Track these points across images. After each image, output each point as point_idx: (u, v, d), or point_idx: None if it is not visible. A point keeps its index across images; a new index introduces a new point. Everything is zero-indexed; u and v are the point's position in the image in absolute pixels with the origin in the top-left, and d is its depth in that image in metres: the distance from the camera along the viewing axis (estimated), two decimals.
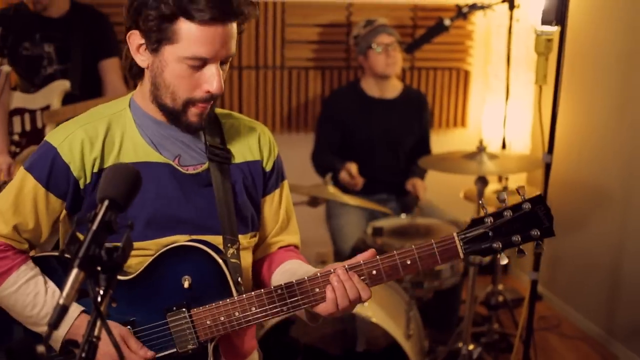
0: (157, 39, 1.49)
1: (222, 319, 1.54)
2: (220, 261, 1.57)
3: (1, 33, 3.10)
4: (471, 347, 3.08)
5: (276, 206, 1.77)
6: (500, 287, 3.55)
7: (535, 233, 1.41)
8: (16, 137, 3.26)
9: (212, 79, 1.51)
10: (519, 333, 2.77)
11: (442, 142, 4.17)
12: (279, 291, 1.52)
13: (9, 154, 3.16)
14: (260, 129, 1.76)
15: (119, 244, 1.04)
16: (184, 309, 1.55)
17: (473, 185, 2.99)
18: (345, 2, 4.00)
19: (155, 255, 1.57)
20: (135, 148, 1.59)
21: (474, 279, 2.99)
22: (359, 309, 2.68)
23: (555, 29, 2.47)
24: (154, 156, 1.60)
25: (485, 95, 4.26)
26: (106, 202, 1.05)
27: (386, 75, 3.55)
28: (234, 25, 1.52)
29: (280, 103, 4.08)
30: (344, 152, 3.61)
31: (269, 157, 1.74)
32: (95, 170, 1.57)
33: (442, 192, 4.05)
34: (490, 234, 1.43)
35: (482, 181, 2.83)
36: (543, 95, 2.65)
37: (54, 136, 1.59)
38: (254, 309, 1.53)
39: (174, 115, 1.57)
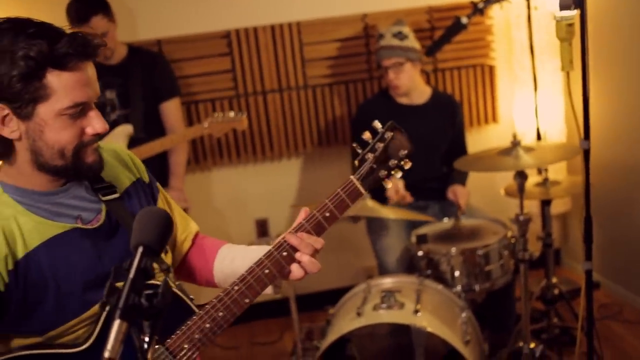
0: (27, 101, 1.39)
1: (197, 336, 1.53)
2: (174, 287, 1.57)
3: None
4: (532, 345, 3.00)
5: (165, 204, 1.78)
6: (554, 280, 3.47)
7: (403, 153, 1.64)
8: None
9: (94, 120, 1.47)
10: (579, 325, 2.69)
11: (475, 140, 4.12)
12: (236, 287, 1.54)
13: None
14: (118, 148, 1.74)
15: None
16: (158, 346, 1.52)
17: (512, 181, 2.93)
18: (360, 14, 3.98)
19: (104, 316, 1.51)
20: (37, 228, 1.48)
21: (526, 276, 2.92)
22: (413, 320, 2.64)
23: (574, 13, 2.41)
24: (58, 227, 1.50)
25: (513, 88, 4.19)
26: (140, 249, 1.04)
27: (395, 94, 3.55)
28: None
29: (308, 122, 4.06)
30: None
31: (139, 169, 1.73)
32: (10, 267, 1.44)
33: (481, 191, 4.00)
34: (374, 166, 1.61)
35: (521, 175, 2.77)
36: (572, 81, 2.59)
37: None
38: (221, 313, 1.54)
39: (70, 170, 1.49)
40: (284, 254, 1.57)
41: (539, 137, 3.73)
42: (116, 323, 0.96)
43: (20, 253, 1.46)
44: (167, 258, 1.71)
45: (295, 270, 1.58)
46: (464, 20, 3.41)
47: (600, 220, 2.76)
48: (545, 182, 3.27)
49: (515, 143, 2.84)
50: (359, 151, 1.65)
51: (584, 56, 2.45)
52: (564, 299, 3.54)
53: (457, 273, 3.07)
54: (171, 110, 3.47)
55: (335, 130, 4.10)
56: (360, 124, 3.66)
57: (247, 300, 1.55)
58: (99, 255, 1.54)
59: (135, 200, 1.67)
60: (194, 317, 1.54)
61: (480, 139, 4.21)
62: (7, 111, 1.41)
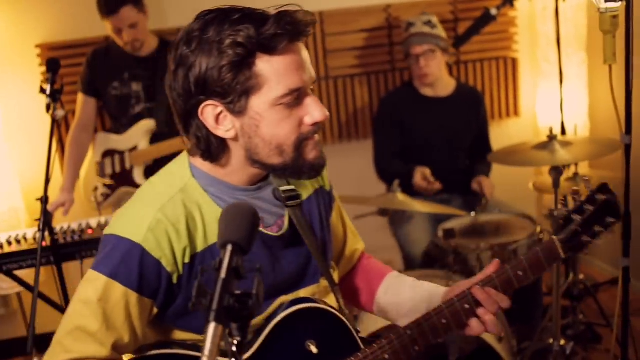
0: (240, 94, 1.28)
1: None
2: (338, 313, 1.46)
3: (87, 73, 3.15)
4: (562, 342, 2.96)
5: (339, 216, 1.67)
6: (581, 276, 3.43)
7: (611, 220, 1.50)
8: (108, 180, 3.28)
9: (313, 107, 1.34)
10: (615, 321, 2.66)
11: (496, 133, 4.07)
12: (409, 332, 1.43)
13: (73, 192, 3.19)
14: None
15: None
16: None
17: (542, 176, 2.89)
18: (383, 4, 3.93)
19: (270, 327, 1.41)
20: None
21: (558, 272, 2.88)
22: None
23: (619, 4, 2.37)
24: None
25: (536, 81, 4.14)
26: (229, 247, 0.98)
27: (422, 84, 3.48)
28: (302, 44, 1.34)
29: (330, 114, 4.00)
30: (402, 154, 3.54)
31: (323, 175, 1.59)
32: (187, 260, 1.35)
33: (504, 186, 3.96)
34: (579, 230, 1.49)
35: (557, 171, 2.72)
36: (613, 74, 2.54)
37: (129, 229, 1.34)
38: (387, 356, 1.43)
39: (291, 169, 1.37)
40: (466, 306, 1.45)
41: (563, 131, 3.69)
42: (211, 326, 0.91)
43: (200, 246, 1.37)
44: (334, 274, 1.61)
45: (475, 327, 1.46)
46: (494, 11, 3.35)
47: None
48: (575, 177, 3.23)
49: (552, 137, 2.79)
50: (561, 205, 1.55)
51: (628, 49, 2.41)
52: (591, 295, 3.50)
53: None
54: None
55: (357, 123, 4.06)
56: (383, 118, 3.61)
57: (416, 348, 1.45)
58: (273, 263, 1.44)
59: (315, 209, 1.55)
60: (359, 355, 1.44)
61: (502, 133, 4.17)
62: (220, 108, 1.31)
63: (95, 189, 3.34)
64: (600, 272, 4.21)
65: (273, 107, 1.30)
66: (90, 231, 2.79)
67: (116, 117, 3.34)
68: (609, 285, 3.99)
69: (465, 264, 3.07)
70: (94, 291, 1.32)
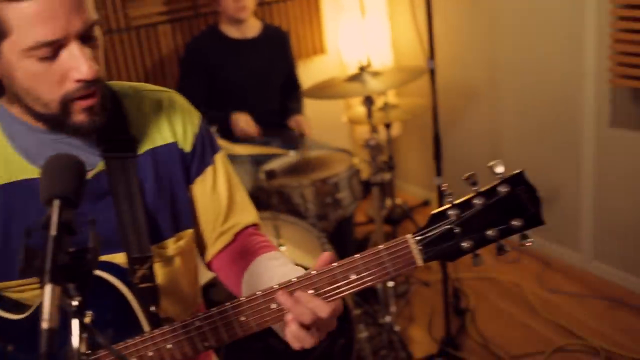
0: None
1: None
2: (124, 289, 1.26)
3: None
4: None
5: (211, 188, 1.43)
6: (398, 200, 3.60)
7: (518, 223, 1.08)
8: None
9: (76, 62, 1.14)
10: None
11: (304, 72, 4.11)
12: (198, 323, 1.18)
13: None
14: (168, 101, 1.40)
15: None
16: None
17: (353, 109, 2.97)
18: None
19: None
20: (7, 165, 1.26)
21: (378, 199, 3.00)
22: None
23: None
24: (29, 172, 1.25)
25: (338, 18, 4.22)
26: (57, 202, 0.90)
27: (238, 18, 3.42)
28: None
29: (135, 67, 3.84)
30: (214, 100, 3.47)
31: (184, 134, 1.38)
32: None
33: (320, 121, 4.03)
34: (456, 230, 1.09)
35: (369, 101, 2.80)
36: (415, 2, 2.64)
37: None
38: (169, 346, 1.20)
39: (56, 121, 1.21)
40: (273, 306, 1.16)
41: (369, 64, 3.80)
42: (47, 288, 0.83)
43: None
44: (179, 244, 1.40)
45: (289, 337, 1.16)
46: None
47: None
48: (385, 107, 3.35)
49: (363, 69, 2.86)
50: (447, 199, 1.10)
51: None
52: (409, 217, 3.70)
53: (310, 204, 3.08)
54: None
55: (164, 74, 3.92)
56: (190, 63, 3.51)
57: (206, 344, 1.20)
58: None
59: (150, 169, 1.34)
60: (137, 338, 1.21)
61: (309, 71, 4.21)
62: None
63: None
64: (413, 195, 4.45)
65: (25, 58, 1.13)
66: None
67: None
68: (422, 207, 4.23)
69: (290, 203, 3.11)
70: None
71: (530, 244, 1.09)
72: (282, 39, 3.64)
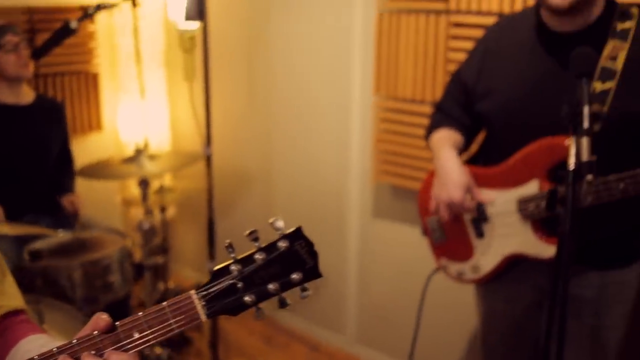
0: None
1: None
2: None
3: None
4: (159, 350, 3.04)
5: None
6: (171, 284, 3.57)
7: (297, 277, 1.14)
8: None
9: None
10: (205, 325, 2.83)
11: (79, 148, 3.99)
12: None
13: None
14: None
15: None
16: None
17: (128, 190, 2.94)
18: None
19: None
20: None
21: (152, 282, 2.96)
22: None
23: (197, 26, 2.54)
24: None
25: (117, 96, 4.18)
26: None
27: (20, 76, 3.26)
28: None
29: None
30: None
31: None
32: None
33: (92, 201, 3.91)
34: (239, 285, 1.13)
35: (145, 183, 2.80)
36: (193, 90, 2.71)
37: None
38: None
39: None
40: None
41: (146, 146, 3.79)
42: None
43: None
44: None
45: None
46: (74, 24, 3.28)
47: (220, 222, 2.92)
48: (161, 190, 3.34)
49: (139, 151, 2.85)
50: (230, 254, 1.15)
51: (206, 67, 2.59)
52: None
53: (77, 288, 2.95)
54: None
55: None
56: None
57: None
58: None
59: None
60: None
61: (84, 148, 4.09)
62: None
63: None
64: (187, 279, 4.42)
65: None
66: None
67: None
68: None
69: (56, 286, 2.95)
70: None
71: (307, 296, 1.15)
72: (57, 110, 3.51)
